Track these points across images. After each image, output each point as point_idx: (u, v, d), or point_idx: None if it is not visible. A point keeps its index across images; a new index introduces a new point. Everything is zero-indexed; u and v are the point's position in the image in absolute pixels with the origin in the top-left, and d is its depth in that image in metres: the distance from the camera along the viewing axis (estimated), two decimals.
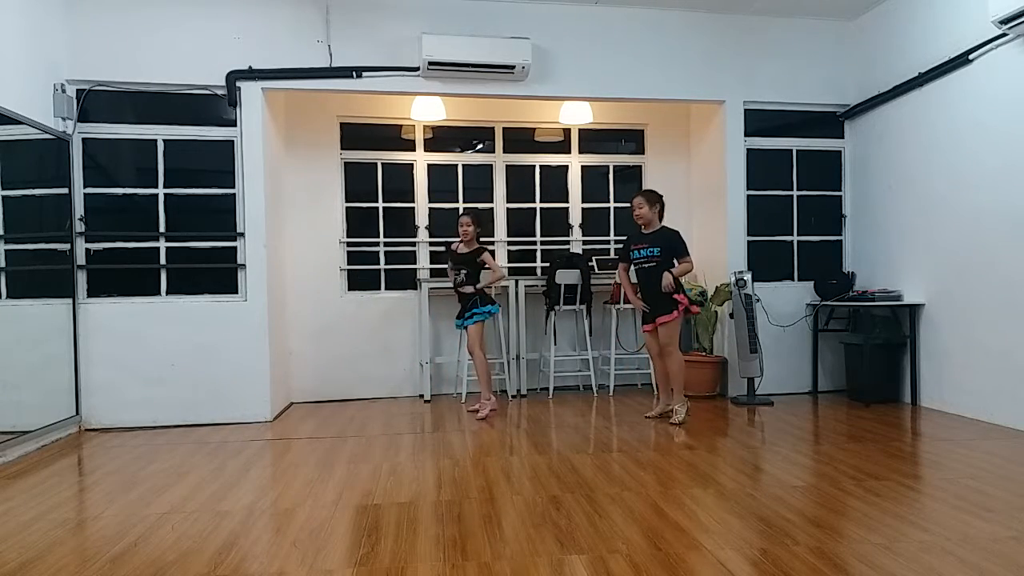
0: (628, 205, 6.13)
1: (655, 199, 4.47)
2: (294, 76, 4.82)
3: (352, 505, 2.89)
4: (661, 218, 4.51)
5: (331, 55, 4.87)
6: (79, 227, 4.60)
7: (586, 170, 6.16)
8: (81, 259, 4.61)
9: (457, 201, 5.92)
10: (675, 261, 4.42)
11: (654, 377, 4.97)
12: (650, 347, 4.64)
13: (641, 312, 4.58)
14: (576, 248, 6.10)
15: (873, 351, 5.01)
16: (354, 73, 4.88)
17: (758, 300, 5.21)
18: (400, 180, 5.86)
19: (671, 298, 4.36)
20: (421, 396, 5.55)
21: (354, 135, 5.76)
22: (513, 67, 4.90)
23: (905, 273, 5.10)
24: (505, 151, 6.02)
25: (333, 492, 3.08)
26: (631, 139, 6.26)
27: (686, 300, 4.41)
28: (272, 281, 4.93)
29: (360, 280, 5.79)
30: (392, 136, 5.85)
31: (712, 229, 5.73)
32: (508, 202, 6.04)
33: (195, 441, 4.18)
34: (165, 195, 4.75)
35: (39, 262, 4.49)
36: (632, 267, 4.59)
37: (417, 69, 4.93)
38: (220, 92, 4.73)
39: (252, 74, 4.75)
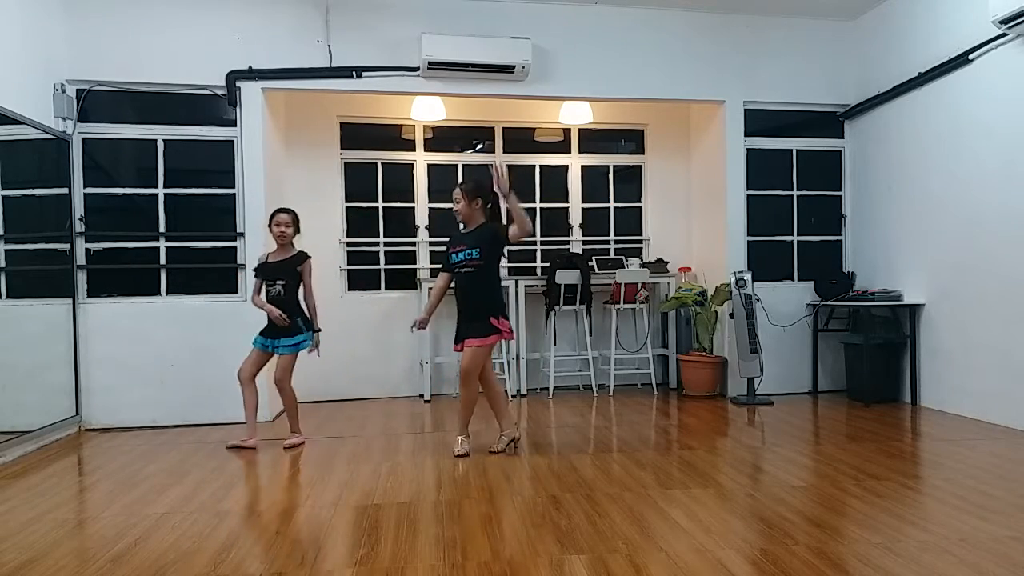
0: (629, 205, 6.28)
1: (476, 192, 3.68)
2: (294, 76, 4.82)
3: (352, 505, 2.89)
4: (487, 215, 3.72)
5: (331, 55, 4.87)
6: (79, 227, 4.60)
7: (586, 170, 6.16)
8: (81, 259, 4.60)
9: None
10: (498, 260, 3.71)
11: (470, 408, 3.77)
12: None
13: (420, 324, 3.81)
14: (576, 248, 6.10)
15: (873, 351, 5.00)
16: (354, 73, 4.88)
17: (758, 300, 5.20)
18: (400, 180, 5.85)
19: (488, 322, 3.56)
20: (421, 396, 5.55)
21: (354, 135, 5.76)
22: (513, 67, 4.90)
23: (905, 273, 5.10)
24: (505, 151, 6.02)
25: (333, 492, 3.08)
26: (631, 139, 6.26)
27: (507, 326, 3.63)
28: None
29: (360, 280, 5.80)
30: (392, 136, 5.85)
31: (712, 229, 5.73)
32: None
33: (195, 441, 4.18)
34: (165, 195, 4.75)
35: (39, 262, 4.49)
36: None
37: (417, 69, 4.93)
38: (220, 92, 4.73)
39: (252, 74, 4.75)
